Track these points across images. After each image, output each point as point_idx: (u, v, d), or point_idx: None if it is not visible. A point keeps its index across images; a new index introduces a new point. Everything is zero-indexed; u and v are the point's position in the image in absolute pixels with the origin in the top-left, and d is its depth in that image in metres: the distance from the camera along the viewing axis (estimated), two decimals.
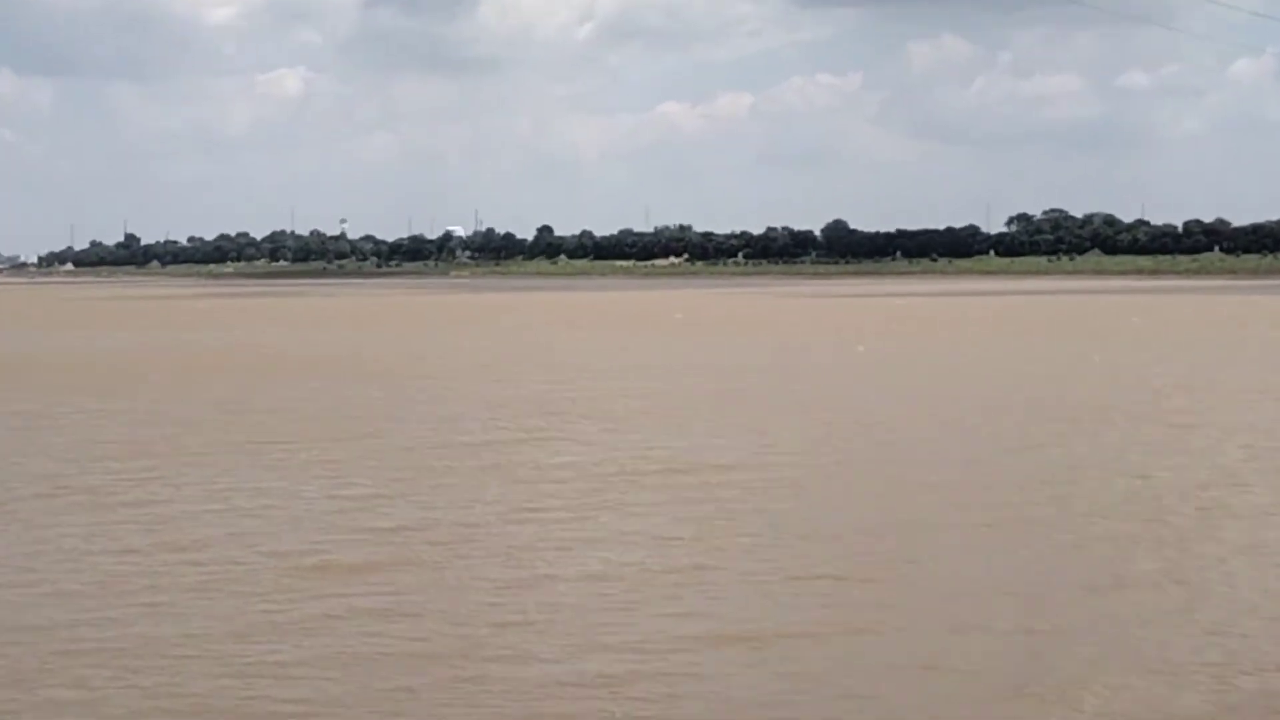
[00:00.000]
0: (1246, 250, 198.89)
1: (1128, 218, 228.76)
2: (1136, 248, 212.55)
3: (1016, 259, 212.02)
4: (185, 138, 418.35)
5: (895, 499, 19.65)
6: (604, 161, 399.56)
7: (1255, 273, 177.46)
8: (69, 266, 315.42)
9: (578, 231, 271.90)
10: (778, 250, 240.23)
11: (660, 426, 27.88)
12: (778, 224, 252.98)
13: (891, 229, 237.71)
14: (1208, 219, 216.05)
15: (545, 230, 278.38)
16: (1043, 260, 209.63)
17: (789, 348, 52.05)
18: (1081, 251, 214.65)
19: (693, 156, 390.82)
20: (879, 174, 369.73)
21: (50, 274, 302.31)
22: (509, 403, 32.68)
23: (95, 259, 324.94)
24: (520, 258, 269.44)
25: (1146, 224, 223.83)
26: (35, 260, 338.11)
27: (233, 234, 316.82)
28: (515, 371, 41.83)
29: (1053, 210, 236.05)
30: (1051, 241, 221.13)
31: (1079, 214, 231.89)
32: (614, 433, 27.00)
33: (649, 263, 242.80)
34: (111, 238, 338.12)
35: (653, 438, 26.02)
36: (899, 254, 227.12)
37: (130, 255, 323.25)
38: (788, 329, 66.74)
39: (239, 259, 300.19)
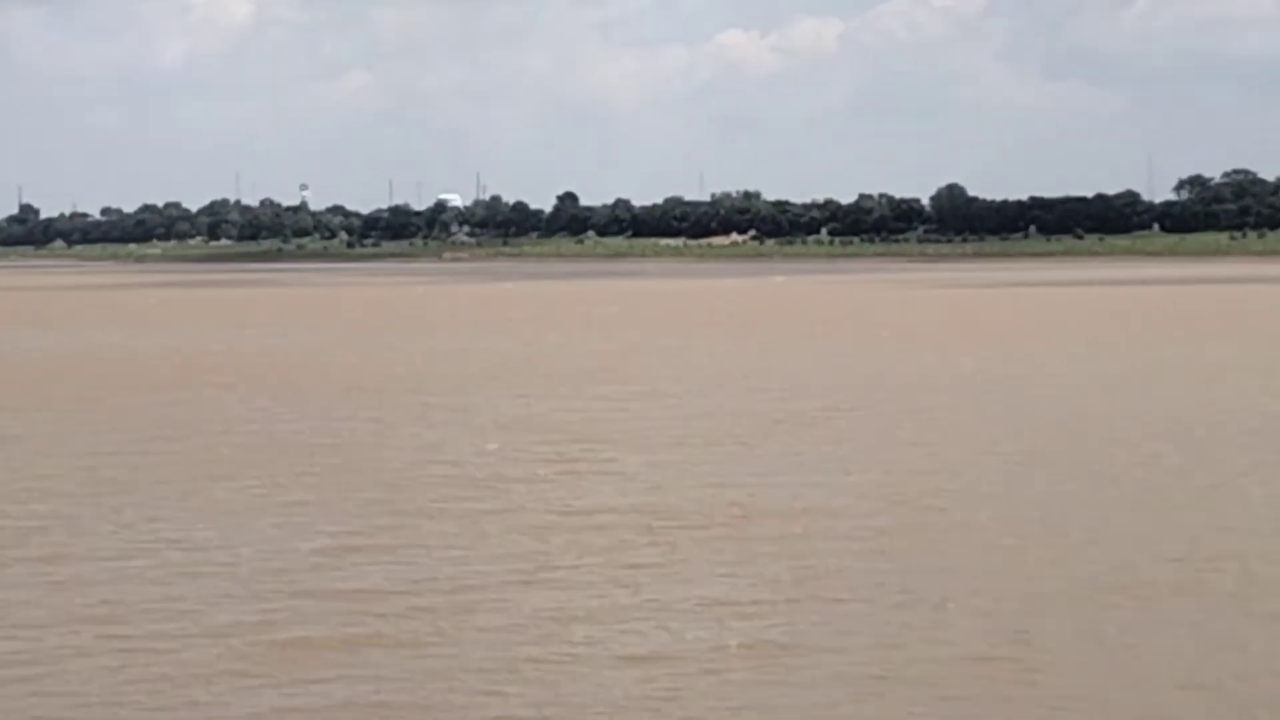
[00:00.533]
0: None
1: None
2: None
3: (1188, 236, 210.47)
4: (99, 80, 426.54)
5: (1027, 555, 19.42)
6: (646, 109, 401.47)
7: None
8: None
9: (610, 201, 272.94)
10: (873, 225, 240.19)
11: (719, 459, 27.80)
12: (873, 190, 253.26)
13: (1023, 196, 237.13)
14: None
15: (568, 199, 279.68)
16: (1222, 238, 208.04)
17: (883, 358, 51.81)
18: (1274, 226, 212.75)
19: (762, 102, 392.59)
20: (1007, 126, 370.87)
21: None
22: (521, 425, 32.63)
23: None
24: (535, 235, 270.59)
25: None
26: None
27: (160, 205, 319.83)
28: (530, 384, 41.84)
29: (1236, 171, 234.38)
30: (1234, 213, 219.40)
31: (1270, 176, 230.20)
32: (658, 466, 26.87)
33: (704, 241, 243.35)
34: (2, 209, 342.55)
35: (709, 473, 25.89)
36: (1033, 229, 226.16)
37: (27, 232, 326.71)
38: (880, 331, 66.42)
39: (168, 237, 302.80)
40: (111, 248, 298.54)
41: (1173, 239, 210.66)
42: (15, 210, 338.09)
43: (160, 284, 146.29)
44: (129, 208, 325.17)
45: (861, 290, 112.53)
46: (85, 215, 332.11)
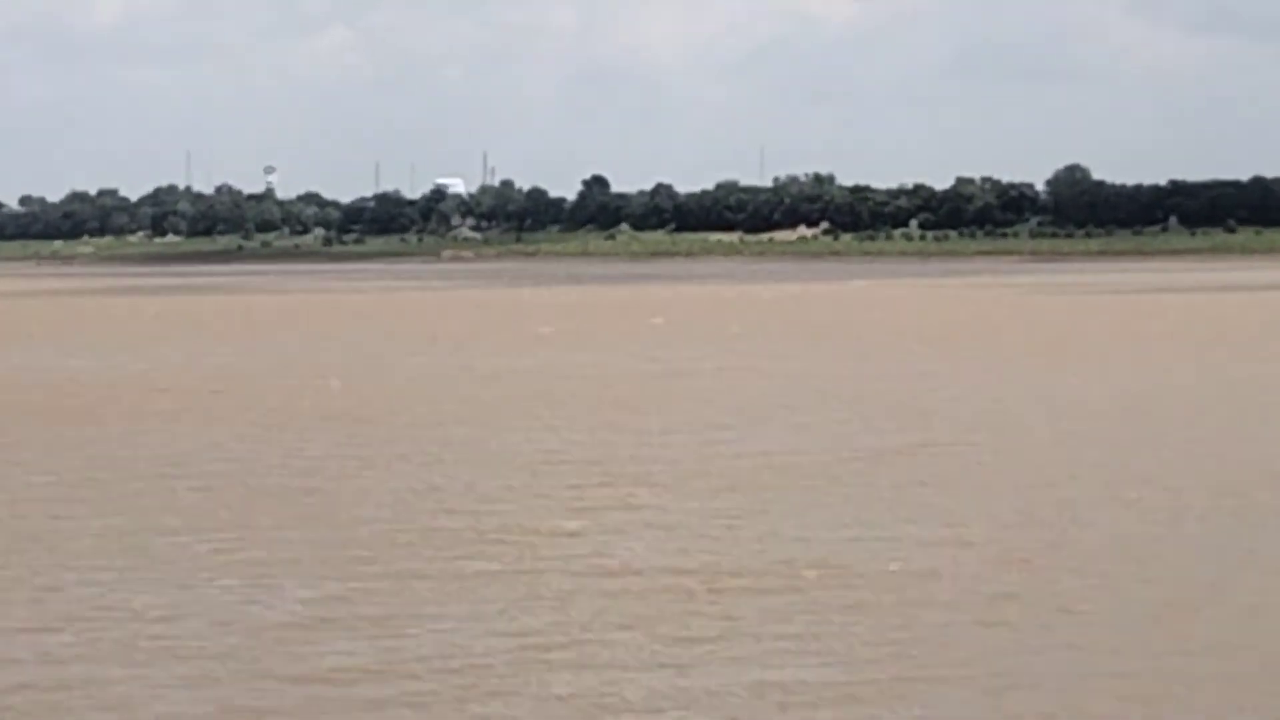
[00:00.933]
0: None
1: None
2: None
3: None
4: (18, 42, 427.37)
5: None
6: (693, 74, 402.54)
7: None
8: None
9: (649, 186, 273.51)
10: (975, 216, 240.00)
11: (785, 506, 27.80)
12: (975, 173, 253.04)
13: (1161, 180, 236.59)
14: None
15: (596, 185, 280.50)
16: None
17: (990, 381, 52.05)
18: None
19: (837, 63, 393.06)
20: (1142, 92, 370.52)
21: None
22: (541, 463, 32.74)
23: None
24: (556, 229, 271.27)
25: None
26: None
27: (92, 193, 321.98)
28: (551, 413, 41.99)
29: None
30: None
31: None
32: (710, 515, 26.82)
33: (765, 237, 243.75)
34: None
35: (773, 524, 25.86)
36: (1173, 220, 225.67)
37: None
38: (986, 347, 66.50)
39: (103, 233, 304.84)
40: (33, 245, 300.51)
41: None
42: None
43: (94, 290, 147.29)
44: (54, 197, 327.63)
45: (960, 297, 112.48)
46: (0, 206, 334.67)
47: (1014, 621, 19.86)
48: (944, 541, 24.51)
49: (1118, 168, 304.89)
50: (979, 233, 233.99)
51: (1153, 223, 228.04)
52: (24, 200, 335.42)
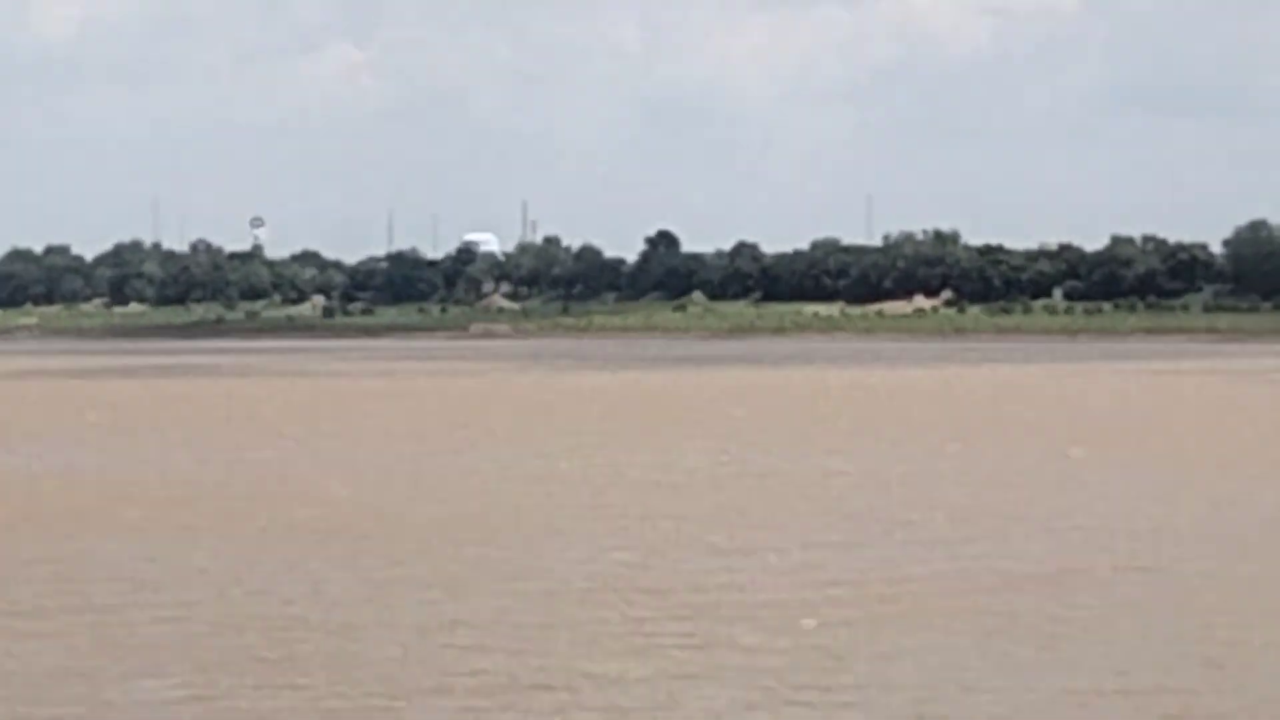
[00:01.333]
0: None
1: None
2: None
3: None
4: None
5: None
6: (783, 107, 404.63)
7: None
8: None
9: (728, 246, 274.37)
10: (1135, 283, 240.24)
11: (917, 651, 27.68)
12: (1134, 231, 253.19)
13: None
14: None
15: (664, 243, 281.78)
16: None
17: (1166, 495, 51.88)
18: None
19: (963, 94, 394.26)
20: None
21: None
22: (604, 589, 32.95)
23: None
24: (612, 298, 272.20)
25: None
26: None
27: (38, 251, 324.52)
28: (614, 527, 42.49)
29: None
30: None
31: None
32: (821, 662, 26.68)
33: (873, 308, 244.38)
34: None
35: (902, 674, 25.78)
36: None
37: None
38: (1146, 451, 66.61)
39: (50, 300, 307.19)
40: None
41: None
42: None
43: (39, 371, 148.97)
44: None
45: (1118, 387, 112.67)
46: None
47: None
48: (1111, 699, 24.44)
49: None
50: (1140, 304, 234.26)
51: None
52: None
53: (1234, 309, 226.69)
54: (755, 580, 34.86)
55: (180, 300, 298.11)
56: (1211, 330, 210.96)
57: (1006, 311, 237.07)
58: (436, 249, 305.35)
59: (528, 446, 68.37)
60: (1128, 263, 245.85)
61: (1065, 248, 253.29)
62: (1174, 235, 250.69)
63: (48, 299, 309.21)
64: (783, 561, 37.18)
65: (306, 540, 40.81)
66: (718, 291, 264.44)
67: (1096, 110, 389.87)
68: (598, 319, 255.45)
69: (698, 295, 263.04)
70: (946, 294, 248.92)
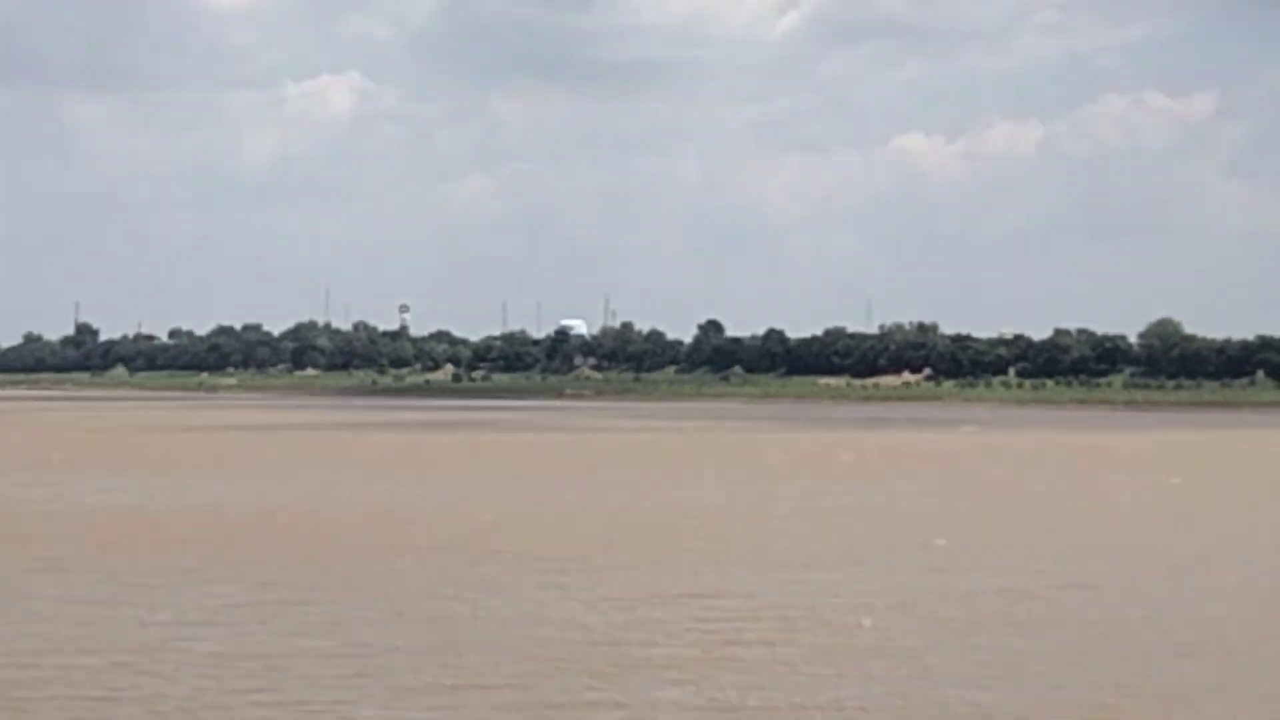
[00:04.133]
0: None
1: None
2: None
3: None
4: (173, 182, 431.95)
5: None
6: (807, 225, 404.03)
7: None
8: None
9: (762, 331, 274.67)
10: (1070, 366, 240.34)
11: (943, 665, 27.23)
12: (1071, 324, 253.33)
13: (1249, 335, 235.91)
14: None
15: (712, 329, 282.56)
16: None
17: (1141, 538, 51.72)
18: None
19: (944, 218, 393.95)
20: (1234, 251, 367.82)
21: None
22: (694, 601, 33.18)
23: (31, 361, 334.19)
24: (672, 369, 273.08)
25: None
26: None
27: (237, 327, 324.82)
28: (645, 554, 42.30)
29: None
30: None
31: None
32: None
33: (870, 381, 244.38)
34: (57, 329, 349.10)
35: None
36: (1260, 374, 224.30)
37: (83, 356, 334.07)
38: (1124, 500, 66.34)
39: (246, 365, 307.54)
40: (180, 376, 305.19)
41: None
42: (70, 330, 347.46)
43: (225, 427, 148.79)
44: (201, 329, 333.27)
45: (1066, 443, 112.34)
46: (151, 338, 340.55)
47: None
48: None
49: (1209, 322, 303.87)
50: (1074, 381, 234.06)
51: (1242, 374, 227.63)
52: (173, 333, 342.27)
53: (1145, 386, 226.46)
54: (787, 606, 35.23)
55: (344, 366, 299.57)
56: (1129, 402, 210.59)
57: (971, 385, 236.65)
58: (540, 330, 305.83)
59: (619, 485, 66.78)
60: (1066, 349, 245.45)
61: (1018, 336, 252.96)
62: (1101, 328, 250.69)
63: (244, 364, 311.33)
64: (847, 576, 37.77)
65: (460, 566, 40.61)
66: (753, 366, 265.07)
67: (1045, 232, 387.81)
68: (662, 386, 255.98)
69: (738, 369, 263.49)
70: (927, 371, 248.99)
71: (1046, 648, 29.04)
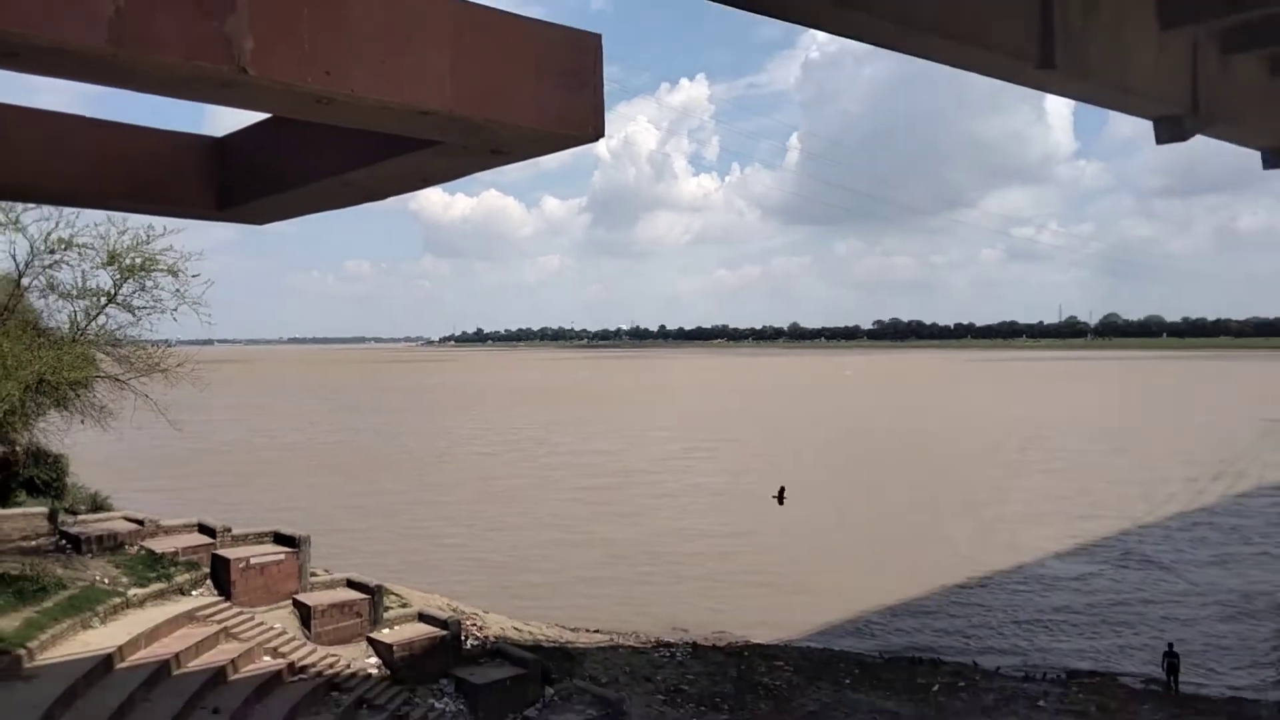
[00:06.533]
0: None
1: None
2: None
3: None
4: (507, 286, 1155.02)
5: None
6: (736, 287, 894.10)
7: None
8: (451, 343, 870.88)
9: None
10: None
11: None
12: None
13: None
14: None
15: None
16: None
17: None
18: None
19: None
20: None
21: (441, 347, 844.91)
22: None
23: (464, 338, 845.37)
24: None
25: None
26: (436, 339, 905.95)
27: (534, 328, 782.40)
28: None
29: None
30: None
31: None
32: None
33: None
34: (469, 328, 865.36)
35: None
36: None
37: (478, 336, 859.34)
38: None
39: (537, 338, 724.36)
40: (512, 344, 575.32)
41: None
42: (473, 330, 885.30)
43: (563, 357, 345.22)
44: (512, 327, 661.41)
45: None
46: (498, 330, 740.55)
47: None
48: None
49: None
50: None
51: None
52: (506, 330, 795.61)
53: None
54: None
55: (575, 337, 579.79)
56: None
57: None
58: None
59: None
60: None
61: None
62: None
63: (539, 338, 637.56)
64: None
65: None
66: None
67: (760, 285, 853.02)
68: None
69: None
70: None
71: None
